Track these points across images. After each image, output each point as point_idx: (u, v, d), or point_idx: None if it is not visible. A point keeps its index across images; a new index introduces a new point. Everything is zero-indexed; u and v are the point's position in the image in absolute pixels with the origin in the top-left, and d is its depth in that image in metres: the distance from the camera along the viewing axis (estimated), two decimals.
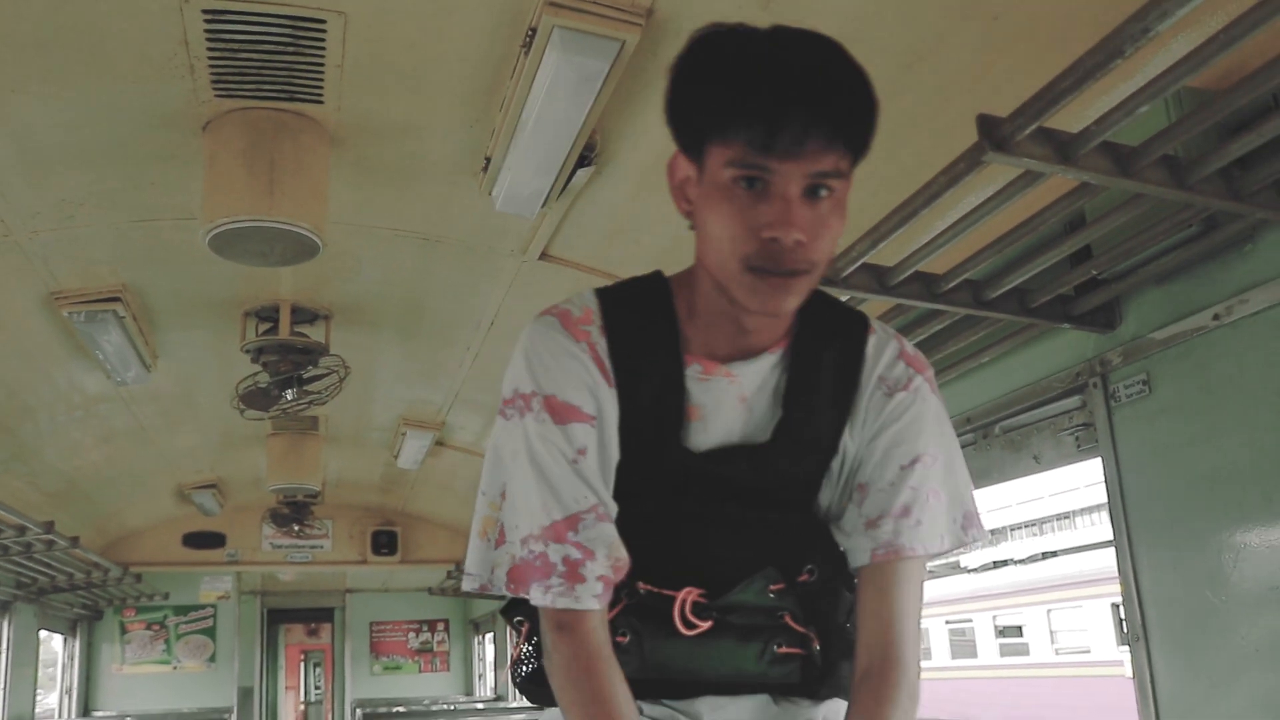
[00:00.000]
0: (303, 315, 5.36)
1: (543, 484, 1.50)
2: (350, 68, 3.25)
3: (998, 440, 3.61)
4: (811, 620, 1.60)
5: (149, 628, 10.83)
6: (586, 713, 1.45)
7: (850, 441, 1.60)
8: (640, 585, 1.56)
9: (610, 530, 1.50)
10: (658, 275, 1.63)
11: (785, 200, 1.36)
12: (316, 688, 33.26)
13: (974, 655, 23.39)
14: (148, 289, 4.87)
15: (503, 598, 1.60)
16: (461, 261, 4.78)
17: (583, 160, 3.50)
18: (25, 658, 8.29)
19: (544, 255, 4.49)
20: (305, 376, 5.46)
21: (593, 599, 1.47)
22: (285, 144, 3.49)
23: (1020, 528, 43.44)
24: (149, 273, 4.72)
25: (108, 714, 10.32)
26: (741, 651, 1.57)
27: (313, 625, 22.90)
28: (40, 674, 8.98)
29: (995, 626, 22.77)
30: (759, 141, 1.34)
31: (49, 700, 10.34)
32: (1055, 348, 3.25)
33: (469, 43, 3.13)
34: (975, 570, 30.41)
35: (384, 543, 10.99)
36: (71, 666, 10.31)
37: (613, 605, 1.53)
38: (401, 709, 9.92)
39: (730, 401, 1.57)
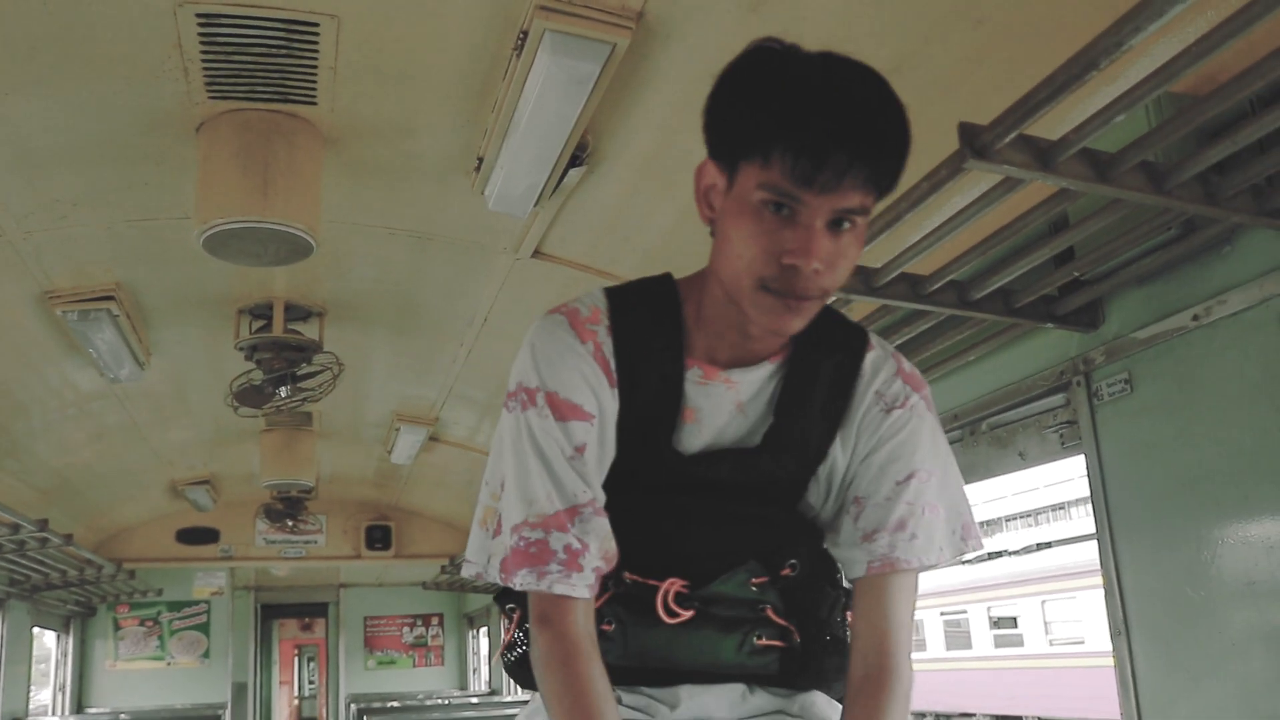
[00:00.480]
0: (296, 313, 5.38)
1: (545, 475, 1.54)
2: (343, 69, 3.28)
3: (984, 437, 3.65)
4: (793, 614, 1.64)
5: (142, 624, 10.85)
6: (563, 703, 1.49)
7: (840, 452, 1.64)
8: (626, 575, 1.61)
9: (604, 524, 1.55)
10: (667, 278, 1.67)
11: (810, 230, 1.39)
12: (310, 683, 33.28)
13: (969, 646, 23.44)
14: (141, 287, 4.89)
15: (498, 586, 1.64)
16: (454, 259, 4.80)
17: (574, 160, 3.53)
18: (19, 654, 8.30)
19: (537, 253, 4.52)
20: (299, 374, 5.48)
21: (585, 588, 1.52)
22: (278, 145, 3.51)
23: (1015, 519, 43.48)
24: (142, 271, 4.74)
25: (101, 710, 10.32)
26: (721, 641, 1.61)
27: (306, 620, 22.91)
28: (33, 670, 8.99)
29: (990, 618, 22.81)
30: (799, 175, 1.36)
31: (42, 697, 10.35)
32: (1039, 347, 3.29)
33: (461, 45, 3.16)
34: (970, 561, 30.50)
35: (378, 538, 11.01)
36: (65, 663, 10.31)
37: (600, 595, 1.58)
38: (396, 704, 9.93)
39: (727, 407, 1.62)
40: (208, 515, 10.33)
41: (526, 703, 1.76)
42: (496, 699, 10.48)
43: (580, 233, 4.27)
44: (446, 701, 10.66)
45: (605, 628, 1.59)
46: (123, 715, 9.70)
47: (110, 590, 10.01)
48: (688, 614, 1.59)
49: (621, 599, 1.61)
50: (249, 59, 3.22)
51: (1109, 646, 3.04)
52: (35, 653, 9.07)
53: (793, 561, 1.64)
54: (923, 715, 25.46)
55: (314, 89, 3.39)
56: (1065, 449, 3.27)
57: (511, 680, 1.74)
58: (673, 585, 1.60)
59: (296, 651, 29.37)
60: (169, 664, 10.85)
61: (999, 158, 2.15)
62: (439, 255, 4.75)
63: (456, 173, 3.87)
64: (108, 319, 4.78)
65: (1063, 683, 19.54)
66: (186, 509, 10.03)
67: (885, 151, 1.41)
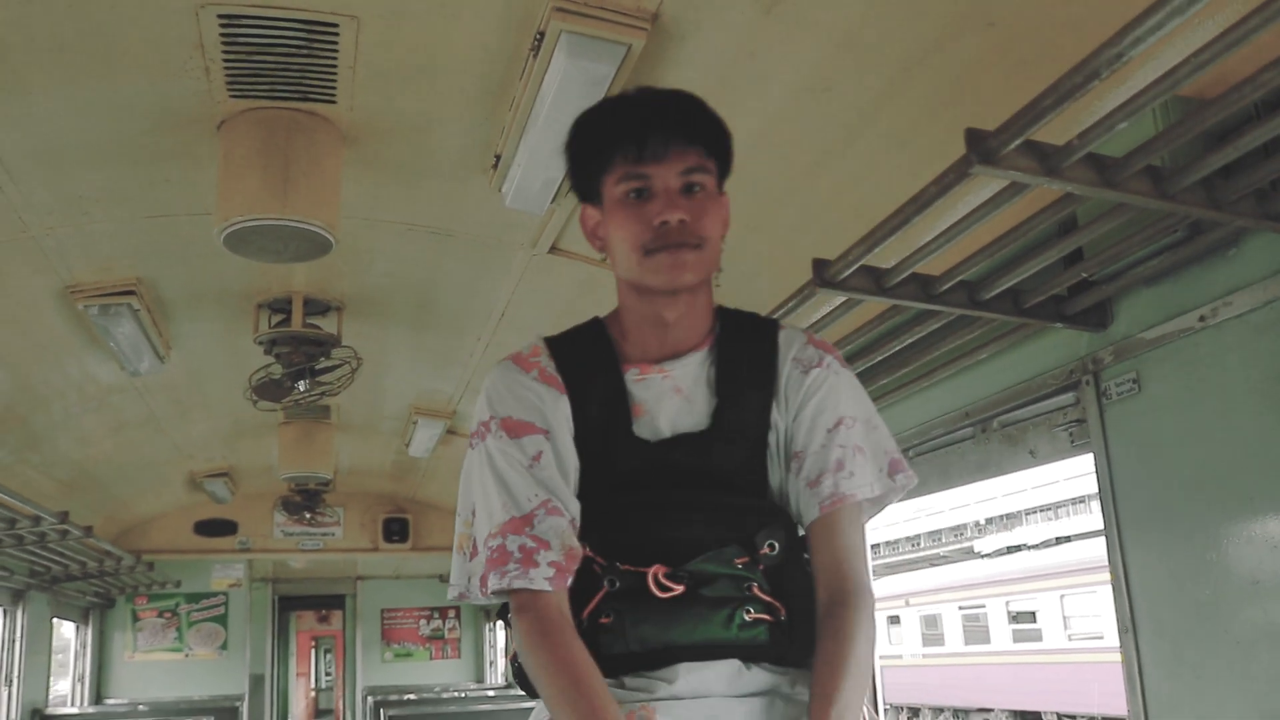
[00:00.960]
0: (315, 307, 5.42)
1: (502, 489, 1.77)
2: (362, 69, 3.32)
3: (995, 435, 3.68)
4: (779, 594, 1.78)
5: (161, 615, 10.88)
6: (548, 672, 1.66)
7: (779, 417, 1.86)
8: (619, 565, 1.75)
9: (561, 522, 1.74)
10: (593, 318, 1.95)
11: (666, 193, 1.75)
12: (327, 674, 33.39)
13: (987, 641, 23.38)
14: (162, 282, 4.95)
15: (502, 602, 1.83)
16: (472, 255, 4.85)
17: None
18: (39, 645, 8.34)
19: (553, 249, 4.56)
20: (317, 368, 5.53)
21: (544, 581, 1.70)
22: (298, 143, 3.55)
23: (1035, 512, 43.39)
24: (163, 266, 4.79)
25: (120, 701, 10.35)
26: (712, 617, 1.74)
27: (323, 612, 23.00)
28: (52, 661, 9.04)
29: (1008, 612, 22.76)
30: (633, 155, 1.74)
31: (60, 687, 10.40)
32: (1049, 346, 3.31)
33: (478, 45, 3.20)
34: (989, 556, 30.44)
35: (395, 530, 11.06)
36: (84, 654, 10.34)
37: (596, 593, 1.74)
38: (413, 696, 9.97)
39: (668, 394, 1.85)
40: (226, 507, 10.40)
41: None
42: (513, 692, 10.50)
43: None
44: (463, 694, 10.69)
45: (604, 620, 1.74)
46: (141, 706, 9.73)
47: (129, 582, 10.05)
48: (679, 588, 1.73)
49: (617, 594, 1.75)
50: (270, 58, 3.26)
51: None
52: (54, 644, 9.12)
53: (771, 542, 1.79)
54: (940, 711, 25.46)
55: (333, 88, 3.43)
56: (1075, 447, 3.29)
57: (521, 689, 1.87)
58: (658, 570, 1.74)
59: (313, 643, 29.47)
60: (187, 655, 10.88)
61: (1005, 163, 2.18)
62: (457, 251, 4.79)
63: (474, 170, 3.91)
64: (128, 313, 4.83)
65: (1081, 678, 19.48)
66: (205, 501, 10.10)
67: (693, 120, 1.78)
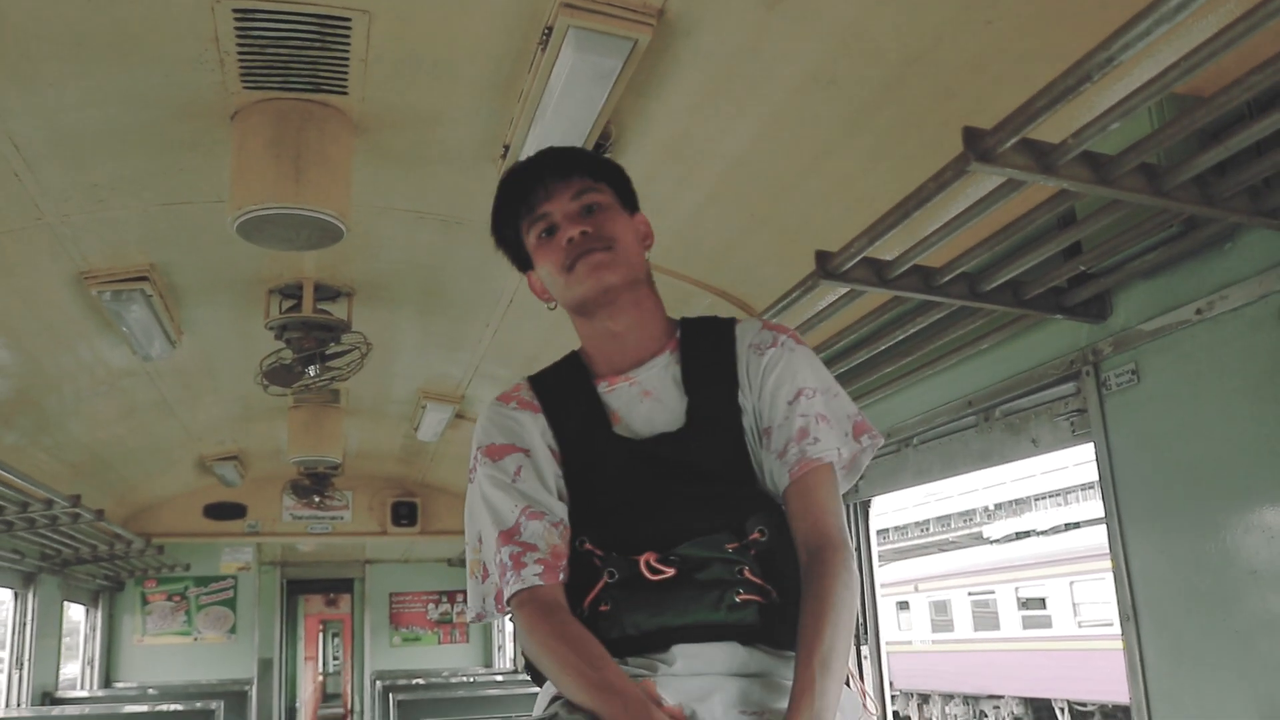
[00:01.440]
0: (325, 293, 5.46)
1: (491, 511, 1.97)
2: (374, 61, 3.36)
3: (998, 424, 3.72)
4: (770, 577, 1.87)
5: (170, 599, 10.93)
6: (548, 647, 1.80)
7: (745, 401, 2.00)
8: (615, 555, 1.88)
9: (540, 525, 1.93)
10: (570, 352, 2.16)
11: (565, 217, 1.99)
12: (335, 658, 33.47)
13: (997, 627, 23.39)
14: (174, 268, 5.00)
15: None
16: (481, 242, 4.80)
17: (598, 148, 3.60)
18: (49, 628, 8.41)
19: None
20: (328, 353, 5.57)
21: (534, 578, 1.87)
22: (311, 133, 3.59)
23: (1044, 498, 43.30)
24: (176, 253, 4.84)
25: (129, 685, 10.40)
26: (703, 599, 1.84)
27: (331, 596, 23.07)
28: (62, 645, 9.10)
29: (1018, 598, 22.76)
30: (530, 200, 2.01)
31: (69, 670, 10.46)
32: (1050, 337, 3.35)
33: (488, 38, 3.23)
34: (998, 541, 30.40)
35: (404, 514, 11.12)
36: (94, 637, 10.41)
37: (594, 584, 1.88)
38: (421, 681, 10.00)
39: (637, 399, 2.02)
40: (235, 491, 10.47)
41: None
42: (520, 677, 10.56)
43: None
44: (471, 679, 10.73)
45: (603, 609, 1.86)
46: (150, 690, 9.78)
47: (138, 565, 10.11)
48: (669, 570, 1.84)
49: (615, 584, 1.87)
50: (283, 51, 3.30)
51: None
52: (64, 627, 9.17)
53: (761, 528, 1.89)
54: (950, 697, 25.49)
55: (345, 79, 3.47)
56: (1076, 436, 3.34)
57: (531, 678, 2.06)
58: (650, 556, 1.86)
59: (321, 627, 29.55)
60: (196, 639, 10.94)
61: (1001, 161, 2.23)
62: (466, 238, 4.83)
63: (483, 160, 3.95)
64: (141, 299, 4.89)
65: (1091, 665, 19.47)
66: (214, 485, 10.17)
67: (571, 157, 2.06)
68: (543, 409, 2.05)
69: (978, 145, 2.22)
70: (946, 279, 3.05)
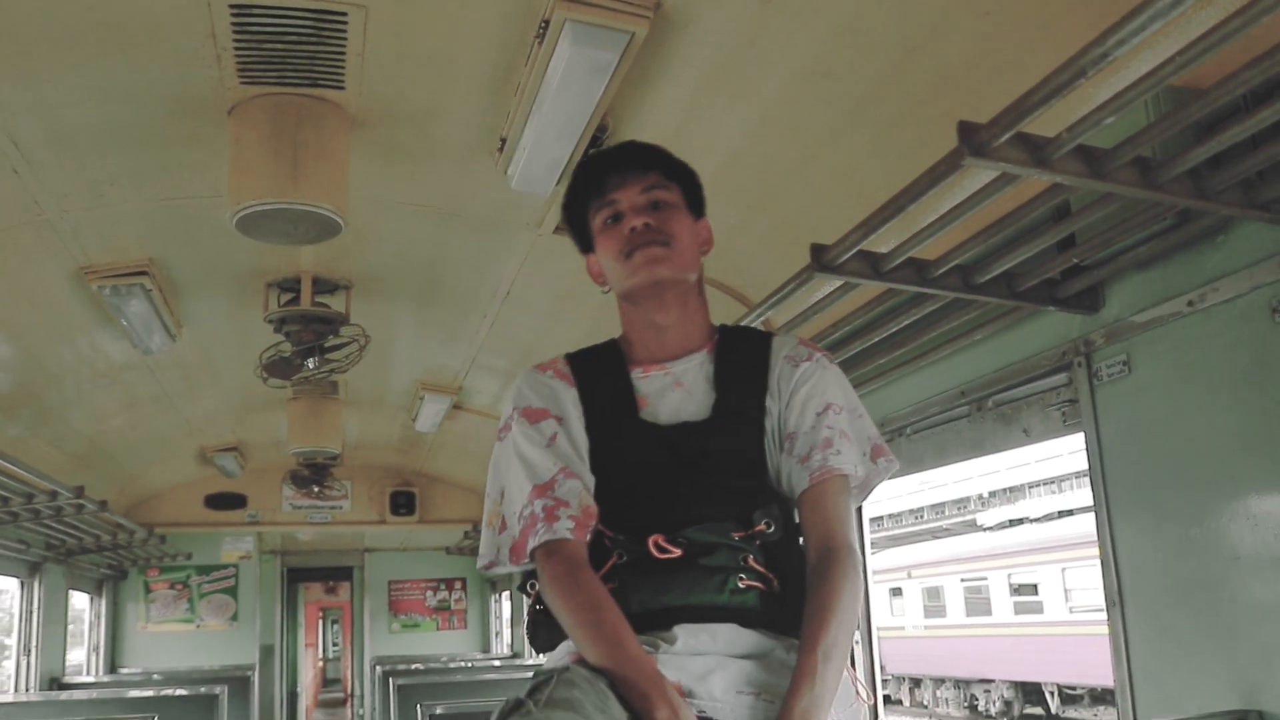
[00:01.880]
0: (323, 286, 5.49)
1: (526, 465, 2.04)
2: (370, 56, 3.38)
3: (990, 414, 3.74)
4: (773, 568, 1.95)
5: (172, 587, 10.98)
6: (573, 603, 1.87)
7: (773, 405, 2.08)
8: (624, 537, 1.96)
9: (578, 485, 2.00)
10: (610, 338, 2.24)
11: (632, 208, 2.08)
12: (334, 644, 33.54)
13: (989, 613, 23.49)
14: (173, 262, 5.02)
15: (509, 575, 2.03)
16: (478, 235, 4.90)
17: (595, 141, 3.62)
18: (55, 616, 8.46)
19: (558, 229, 4.61)
20: (326, 345, 5.59)
21: (566, 531, 1.94)
22: (308, 128, 3.61)
23: (1039, 485, 43.32)
24: (175, 247, 4.87)
25: (134, 671, 10.47)
26: (706, 582, 1.92)
27: (331, 584, 23.13)
28: (67, 632, 9.14)
29: (1010, 584, 22.85)
30: (602, 186, 2.10)
31: (75, 657, 10.50)
32: (1042, 328, 3.36)
33: (484, 33, 3.25)
34: (991, 529, 30.42)
35: (402, 503, 11.16)
36: (98, 625, 10.46)
37: (604, 563, 1.95)
38: (419, 666, 10.05)
39: (670, 388, 2.10)
40: (235, 481, 10.49)
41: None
42: (518, 662, 10.61)
43: None
44: (469, 664, 10.78)
45: (611, 587, 1.91)
46: (155, 675, 9.84)
47: (141, 554, 10.15)
48: (676, 551, 1.92)
49: (623, 565, 1.94)
50: (280, 46, 3.32)
51: None
52: (69, 614, 9.21)
53: (768, 520, 1.96)
54: (942, 681, 25.57)
55: (342, 74, 3.48)
56: (1067, 426, 3.36)
57: (532, 647, 2.09)
58: (658, 537, 1.93)
59: (321, 614, 29.60)
60: (198, 626, 10.99)
61: (996, 155, 2.25)
62: (463, 231, 4.85)
63: (480, 153, 3.96)
64: (141, 293, 4.91)
65: (1082, 649, 19.57)
66: (215, 475, 10.19)
67: (649, 153, 2.14)
68: (576, 384, 2.13)
69: (972, 140, 2.24)
70: (941, 271, 3.06)
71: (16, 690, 7.99)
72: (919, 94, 3.13)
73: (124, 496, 9.35)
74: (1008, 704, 23.06)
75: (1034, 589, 21.97)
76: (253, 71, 3.45)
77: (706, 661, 1.86)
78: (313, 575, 18.28)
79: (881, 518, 52.16)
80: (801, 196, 3.82)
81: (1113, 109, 2.11)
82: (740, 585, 1.92)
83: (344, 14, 3.16)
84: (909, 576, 26.67)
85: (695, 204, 2.19)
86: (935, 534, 39.64)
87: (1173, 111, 2.28)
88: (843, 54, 3.09)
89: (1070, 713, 21.46)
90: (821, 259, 3.04)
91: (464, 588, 13.47)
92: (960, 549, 26.25)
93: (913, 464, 4.14)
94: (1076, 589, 20.52)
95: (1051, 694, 21.73)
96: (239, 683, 8.97)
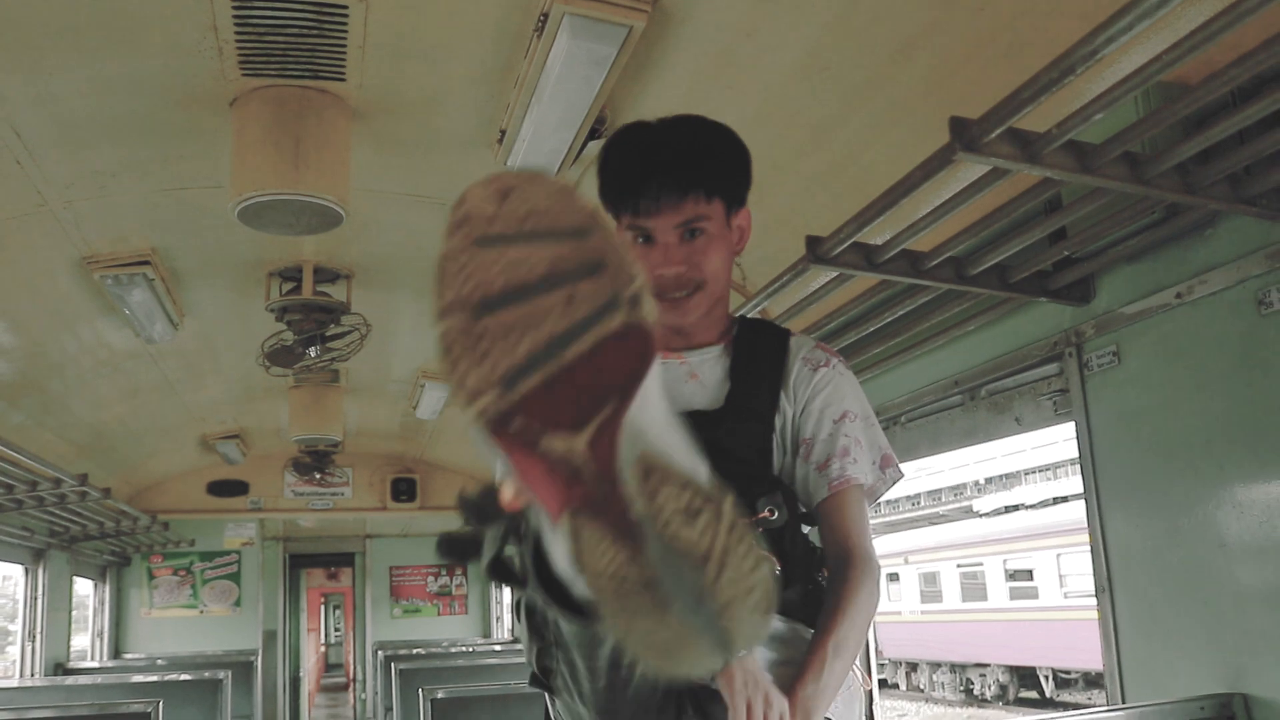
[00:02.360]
0: (325, 275, 5.51)
1: None
2: (371, 48, 3.40)
3: (983, 403, 3.79)
4: (776, 553, 1.95)
5: (175, 573, 11.02)
6: None
7: (786, 405, 2.06)
8: None
9: None
10: None
11: (664, 246, 1.93)
12: (336, 630, 33.59)
13: (984, 598, 23.57)
14: (176, 252, 5.04)
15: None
16: None
17: (593, 132, 3.64)
18: (59, 602, 8.50)
19: None
20: (328, 334, 5.62)
21: None
22: (309, 120, 3.63)
23: (1034, 472, 43.32)
24: (177, 237, 4.89)
25: (138, 656, 10.52)
26: None
27: (333, 570, 23.18)
28: (72, 618, 9.19)
29: (1006, 570, 22.92)
30: (632, 212, 1.92)
31: (79, 642, 10.54)
32: (1034, 319, 3.41)
33: (484, 25, 3.27)
34: (987, 515, 30.45)
35: (403, 490, 11.19)
36: (102, 611, 10.51)
37: None
38: (421, 650, 10.08)
39: (684, 378, 2.07)
40: (238, 468, 10.53)
41: None
42: (518, 646, 10.61)
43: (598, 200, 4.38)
44: (470, 649, 10.81)
45: None
46: (159, 661, 9.88)
47: (144, 541, 10.20)
48: None
49: None
50: (281, 38, 3.34)
51: None
52: (73, 600, 9.26)
53: (771, 508, 1.96)
54: (938, 665, 25.65)
55: (343, 66, 3.51)
56: (1058, 415, 3.41)
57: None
58: None
59: (323, 600, 29.67)
60: (202, 612, 11.04)
61: (987, 150, 2.28)
62: None
63: (480, 144, 3.99)
64: (143, 282, 4.94)
65: (1076, 634, 19.66)
66: (217, 462, 10.22)
67: (687, 173, 1.91)
68: None
69: (964, 135, 2.27)
70: (934, 263, 3.10)
71: (21, 676, 8.03)
72: (913, 89, 3.16)
73: (127, 484, 9.40)
74: (1003, 688, 23.16)
75: (1029, 574, 22.05)
76: (254, 63, 3.47)
77: None
78: (315, 561, 18.30)
79: (879, 503, 52.07)
80: (797, 189, 3.85)
81: (1102, 105, 2.15)
82: None
83: (345, 6, 3.19)
84: (906, 562, 26.74)
85: (738, 197, 2.05)
86: (932, 520, 39.65)
87: (1161, 108, 2.32)
88: (838, 49, 3.12)
89: (1064, 696, 21.55)
90: (817, 251, 3.07)
91: (465, 573, 13.48)
92: (956, 535, 26.32)
93: (907, 453, 4.18)
94: (1071, 574, 20.59)
95: (1046, 678, 21.83)
96: (242, 668, 9.01)
